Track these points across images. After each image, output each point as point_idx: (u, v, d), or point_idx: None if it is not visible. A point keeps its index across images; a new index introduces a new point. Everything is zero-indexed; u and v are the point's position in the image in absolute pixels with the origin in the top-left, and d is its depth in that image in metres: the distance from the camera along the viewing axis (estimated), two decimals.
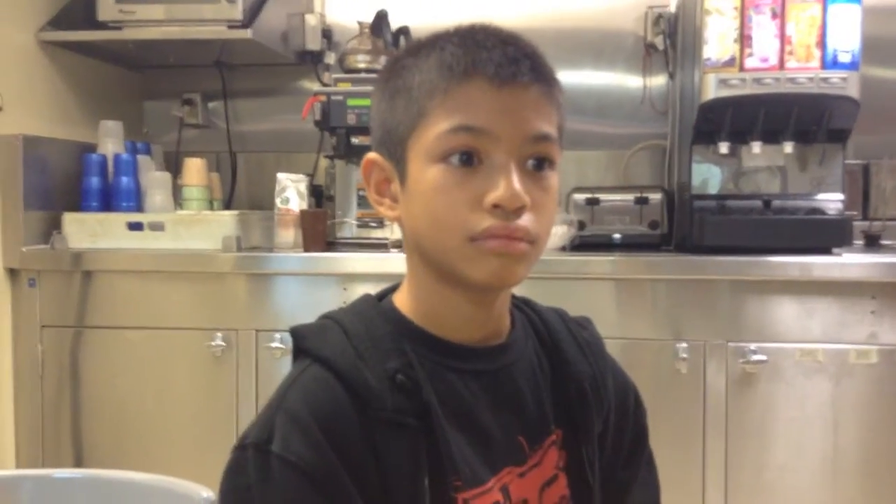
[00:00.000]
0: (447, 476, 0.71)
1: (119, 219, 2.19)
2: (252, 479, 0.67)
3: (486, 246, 0.71)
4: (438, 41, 0.75)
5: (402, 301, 0.79)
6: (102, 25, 2.29)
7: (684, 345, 1.90)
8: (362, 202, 2.30)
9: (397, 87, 0.76)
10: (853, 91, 1.92)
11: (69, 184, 2.29)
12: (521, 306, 0.86)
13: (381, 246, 2.14)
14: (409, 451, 0.70)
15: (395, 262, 2.02)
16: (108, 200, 2.26)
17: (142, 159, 2.34)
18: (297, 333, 0.76)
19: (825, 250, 1.93)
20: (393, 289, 0.82)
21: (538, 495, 0.78)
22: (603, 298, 1.96)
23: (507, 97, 0.71)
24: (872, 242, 2.20)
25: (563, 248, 2.08)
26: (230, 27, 2.25)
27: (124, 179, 2.26)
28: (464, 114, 0.71)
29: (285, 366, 2.10)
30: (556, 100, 0.75)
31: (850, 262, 1.89)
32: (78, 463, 2.13)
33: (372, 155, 0.78)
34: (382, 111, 0.77)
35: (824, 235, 1.96)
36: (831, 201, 2.07)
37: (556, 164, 0.75)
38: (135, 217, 2.20)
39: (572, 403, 0.81)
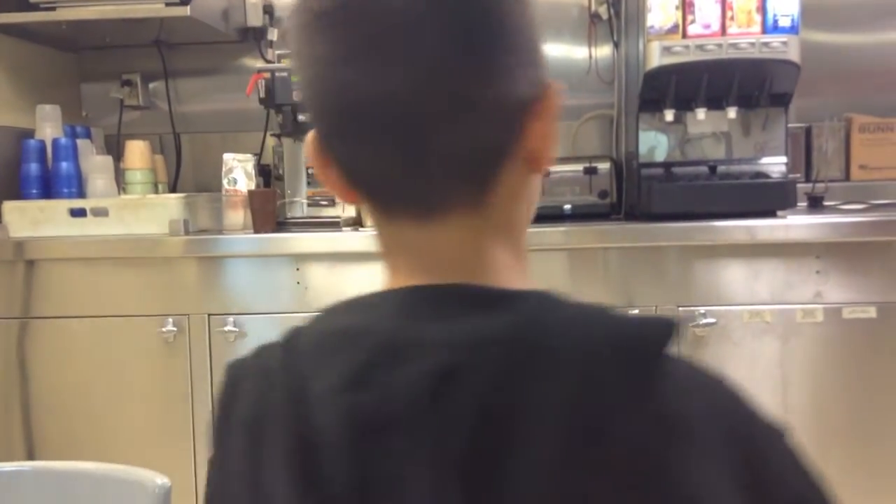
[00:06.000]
0: None
1: (61, 205, 2.14)
2: None
3: None
4: None
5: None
6: (34, 7, 2.21)
7: (636, 311, 1.93)
8: (312, 181, 2.28)
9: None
10: (794, 55, 1.94)
11: (7, 171, 2.22)
12: None
13: (332, 224, 2.12)
14: None
15: (349, 241, 2.02)
16: (49, 187, 2.20)
17: (82, 143, 2.28)
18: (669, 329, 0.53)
19: (770, 213, 1.97)
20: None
21: None
22: (556, 269, 1.98)
23: None
24: (816, 204, 2.25)
25: None
26: (168, 5, 2.19)
27: (64, 164, 2.20)
28: None
29: (239, 350, 2.09)
30: None
31: (794, 224, 1.93)
32: (30, 457, 2.09)
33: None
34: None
35: (769, 198, 2.00)
36: (775, 165, 2.10)
37: None
38: (77, 203, 2.14)
39: None
